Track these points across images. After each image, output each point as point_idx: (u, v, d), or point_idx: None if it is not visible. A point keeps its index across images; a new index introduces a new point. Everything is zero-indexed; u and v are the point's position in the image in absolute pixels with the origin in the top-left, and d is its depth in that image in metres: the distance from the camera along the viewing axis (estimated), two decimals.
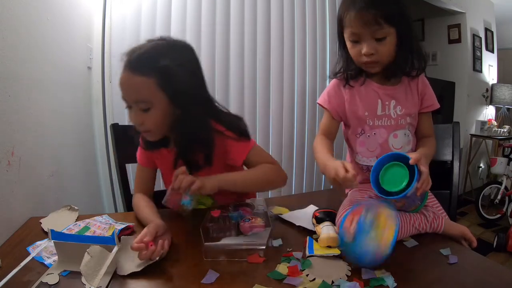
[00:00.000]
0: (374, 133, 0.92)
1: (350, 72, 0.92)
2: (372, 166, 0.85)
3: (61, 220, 0.86)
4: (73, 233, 0.78)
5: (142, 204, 0.88)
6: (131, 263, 0.65)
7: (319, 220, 0.81)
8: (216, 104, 0.91)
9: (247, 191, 0.91)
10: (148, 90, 0.77)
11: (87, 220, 0.85)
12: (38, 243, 0.74)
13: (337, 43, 0.95)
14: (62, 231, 0.77)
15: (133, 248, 0.64)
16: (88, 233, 0.79)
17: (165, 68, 0.76)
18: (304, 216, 0.92)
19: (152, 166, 0.98)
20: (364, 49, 0.82)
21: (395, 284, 0.62)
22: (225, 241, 0.73)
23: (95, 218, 0.88)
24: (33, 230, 0.83)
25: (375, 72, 0.89)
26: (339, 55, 0.95)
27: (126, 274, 0.63)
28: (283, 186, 0.94)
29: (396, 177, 0.74)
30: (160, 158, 0.95)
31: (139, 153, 0.98)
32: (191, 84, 0.81)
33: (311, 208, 0.99)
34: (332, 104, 0.95)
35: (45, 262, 0.68)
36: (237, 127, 0.90)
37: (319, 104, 0.99)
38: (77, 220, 0.88)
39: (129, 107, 0.81)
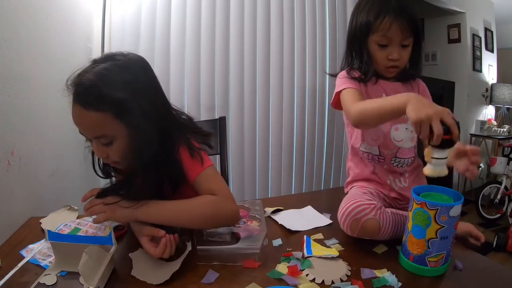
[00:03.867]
0: None
1: (368, 76, 0.94)
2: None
3: (61, 220, 0.85)
4: (65, 234, 0.78)
5: None
6: (158, 271, 0.65)
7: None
8: (181, 117, 0.83)
9: (177, 226, 0.75)
10: (106, 125, 0.68)
11: (78, 221, 0.85)
12: (30, 246, 0.74)
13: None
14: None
15: (157, 254, 0.66)
16: (80, 234, 0.79)
17: (119, 101, 0.67)
18: (300, 218, 0.92)
19: None
20: (394, 54, 0.88)
21: (400, 284, 0.62)
22: (218, 245, 0.72)
23: (85, 218, 0.87)
24: (33, 230, 0.83)
25: (390, 77, 0.95)
26: (353, 58, 0.97)
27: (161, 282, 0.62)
28: (232, 224, 0.78)
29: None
30: None
31: None
32: (151, 109, 0.72)
33: (308, 209, 0.99)
34: (355, 84, 0.92)
35: (41, 264, 0.68)
36: (199, 140, 0.81)
37: (346, 88, 0.91)
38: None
39: (90, 140, 0.73)
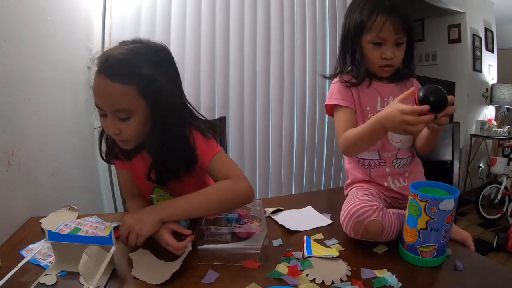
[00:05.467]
0: None
1: (359, 77, 0.93)
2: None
3: (61, 220, 0.85)
4: (65, 234, 0.78)
5: (134, 208, 0.87)
6: (158, 271, 0.65)
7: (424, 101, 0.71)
8: (191, 108, 0.87)
9: (200, 216, 0.78)
10: (129, 98, 0.71)
11: (78, 221, 0.85)
12: (31, 246, 0.74)
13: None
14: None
15: (178, 248, 0.68)
16: (80, 234, 0.79)
17: (146, 76, 0.71)
18: (300, 218, 0.92)
19: (130, 168, 0.92)
20: (388, 53, 0.89)
21: (400, 284, 0.62)
22: (219, 245, 0.72)
23: (85, 218, 0.88)
24: (33, 230, 0.83)
25: (384, 77, 0.95)
26: (347, 59, 0.97)
27: (161, 282, 0.61)
28: (249, 202, 0.83)
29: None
30: (131, 166, 0.89)
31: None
32: (171, 92, 0.77)
33: (309, 210, 0.99)
34: (346, 100, 0.95)
35: (41, 264, 0.68)
36: (207, 129, 0.85)
37: (336, 105, 0.95)
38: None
39: (104, 115, 0.74)
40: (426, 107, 0.69)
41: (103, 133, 0.85)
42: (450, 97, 0.72)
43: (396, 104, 0.73)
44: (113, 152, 0.86)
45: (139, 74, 0.70)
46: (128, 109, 0.72)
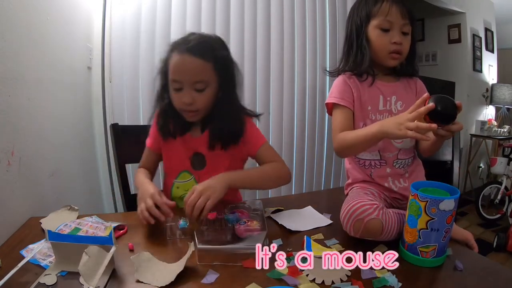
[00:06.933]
0: None
1: (363, 66, 0.93)
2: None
3: (61, 220, 0.85)
4: (65, 234, 0.78)
5: (140, 173, 1.00)
6: (162, 273, 0.64)
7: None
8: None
9: (257, 188, 0.95)
10: (207, 72, 0.87)
11: (78, 221, 0.85)
12: (31, 246, 0.74)
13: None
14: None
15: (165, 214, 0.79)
16: (80, 234, 0.79)
17: (221, 56, 0.90)
18: (300, 218, 0.92)
19: (158, 152, 1.05)
20: (397, 37, 0.90)
21: (400, 284, 0.62)
22: (219, 245, 0.72)
23: (85, 218, 0.87)
24: (33, 230, 0.83)
25: (393, 66, 0.95)
26: (350, 55, 0.97)
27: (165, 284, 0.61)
28: (288, 183, 1.00)
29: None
30: (168, 147, 1.01)
31: (151, 137, 1.04)
32: (234, 73, 0.95)
33: (309, 210, 0.99)
34: (346, 99, 0.95)
35: (41, 264, 0.68)
36: (253, 116, 1.03)
37: (335, 104, 0.96)
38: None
39: (179, 89, 0.88)
40: (434, 125, 0.71)
41: (163, 111, 0.98)
42: (458, 103, 0.73)
43: (406, 113, 0.76)
44: (167, 127, 0.98)
45: (216, 54, 0.89)
46: (206, 80, 0.88)
